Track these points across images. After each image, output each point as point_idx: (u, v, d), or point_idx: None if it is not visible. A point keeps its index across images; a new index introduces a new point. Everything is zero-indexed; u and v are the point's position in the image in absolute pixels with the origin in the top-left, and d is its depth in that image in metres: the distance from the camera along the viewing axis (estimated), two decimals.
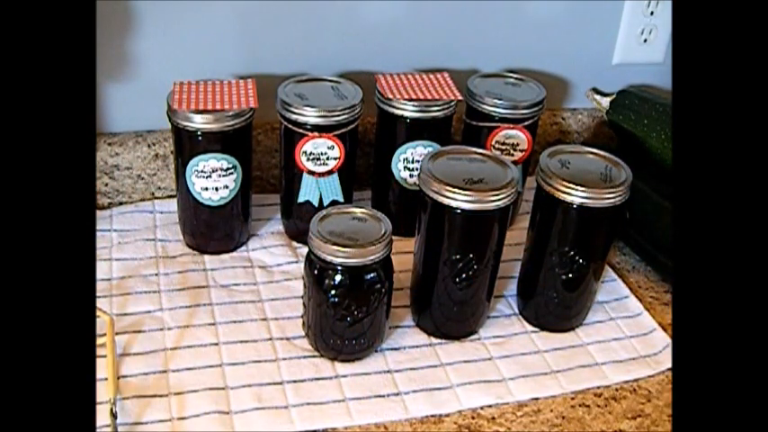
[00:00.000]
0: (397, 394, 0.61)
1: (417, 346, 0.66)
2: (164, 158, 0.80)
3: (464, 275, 0.63)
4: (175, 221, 0.77)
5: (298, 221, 0.76)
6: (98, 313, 0.58)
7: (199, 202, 0.72)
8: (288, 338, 0.66)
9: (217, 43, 0.78)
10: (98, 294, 0.68)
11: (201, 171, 0.70)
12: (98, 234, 0.76)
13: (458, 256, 0.62)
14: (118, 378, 0.60)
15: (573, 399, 0.63)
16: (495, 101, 0.75)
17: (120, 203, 0.81)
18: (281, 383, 0.61)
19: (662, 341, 0.70)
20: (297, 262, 0.75)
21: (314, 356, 0.64)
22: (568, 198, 0.62)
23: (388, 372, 0.63)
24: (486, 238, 0.62)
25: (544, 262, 0.66)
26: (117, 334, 0.63)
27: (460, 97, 0.74)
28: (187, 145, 0.69)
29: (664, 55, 0.93)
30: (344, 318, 0.60)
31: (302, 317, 0.64)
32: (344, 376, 0.62)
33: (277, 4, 0.77)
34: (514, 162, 0.77)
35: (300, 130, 0.70)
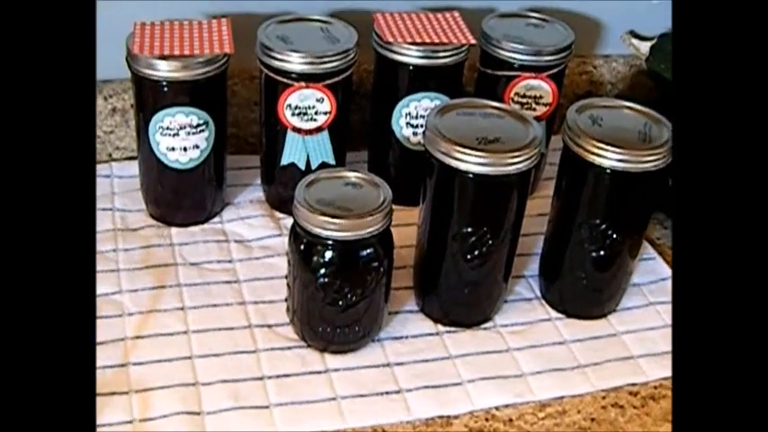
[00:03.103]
0: (398, 392, 0.60)
1: (422, 336, 0.65)
2: (122, 113, 0.78)
3: (477, 252, 0.61)
4: (137, 188, 0.75)
5: (281, 188, 0.74)
6: None
7: (164, 164, 0.70)
8: (269, 326, 0.64)
9: None
10: None
11: (167, 128, 0.67)
12: None
13: (469, 230, 0.61)
14: None
15: (604, 398, 0.61)
16: (515, 45, 0.73)
17: None
18: (261, 379, 0.60)
19: None
20: (280, 236, 0.73)
21: (300, 347, 0.63)
22: (600, 161, 0.60)
23: (388, 365, 0.62)
24: (503, 207, 0.61)
25: (571, 236, 0.65)
26: None
27: (473, 41, 0.72)
28: (150, 97, 0.67)
29: None
30: (336, 302, 0.59)
31: (286, 300, 0.63)
32: (336, 370, 0.61)
33: None
34: (537, 118, 0.73)
35: (284, 80, 0.68)
